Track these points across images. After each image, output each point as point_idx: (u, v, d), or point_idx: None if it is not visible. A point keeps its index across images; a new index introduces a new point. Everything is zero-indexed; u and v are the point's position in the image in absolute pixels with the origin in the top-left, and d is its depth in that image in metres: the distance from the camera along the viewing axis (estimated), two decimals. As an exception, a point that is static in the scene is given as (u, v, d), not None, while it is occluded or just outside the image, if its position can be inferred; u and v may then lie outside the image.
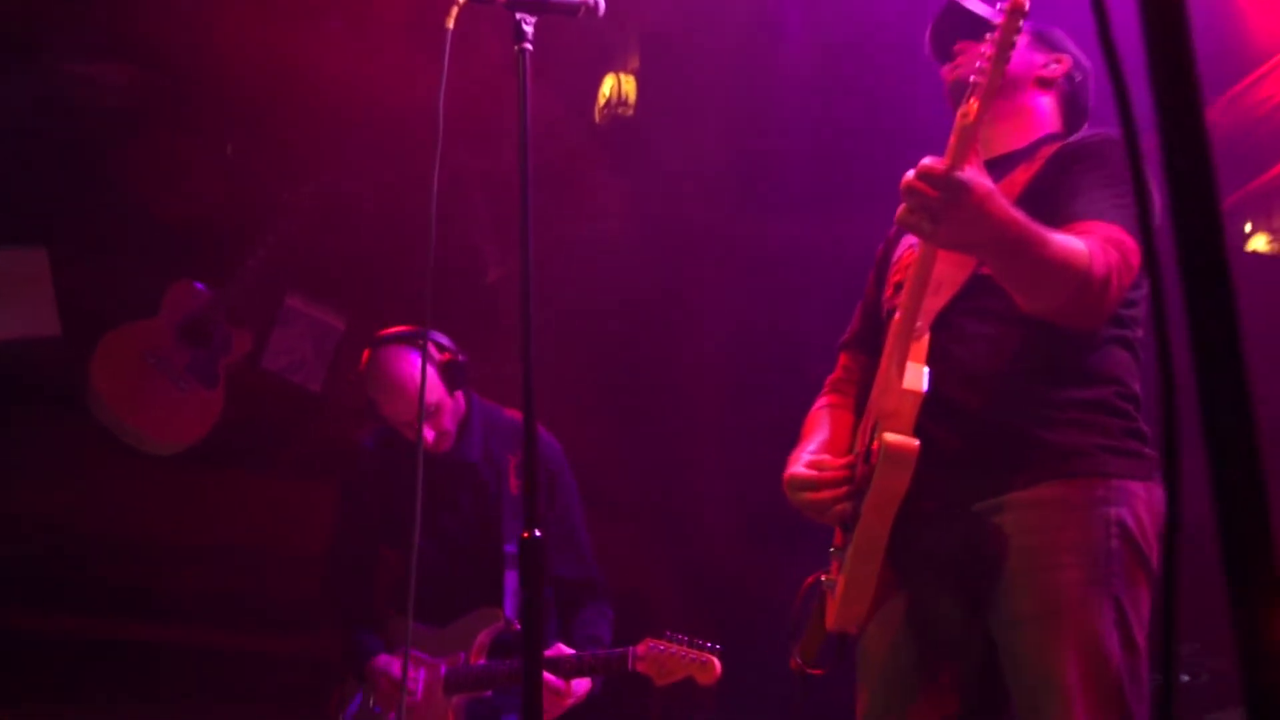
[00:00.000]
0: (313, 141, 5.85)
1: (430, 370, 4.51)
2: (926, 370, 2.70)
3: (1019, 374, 2.80)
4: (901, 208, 2.53)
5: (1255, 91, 5.27)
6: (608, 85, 6.03)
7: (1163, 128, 1.05)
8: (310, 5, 5.41)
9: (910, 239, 3.00)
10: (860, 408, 3.07)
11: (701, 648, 4.29)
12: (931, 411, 2.67)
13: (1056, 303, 2.66)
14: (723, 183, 6.19)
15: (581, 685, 4.40)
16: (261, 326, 6.20)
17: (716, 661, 4.29)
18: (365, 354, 4.62)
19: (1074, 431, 2.77)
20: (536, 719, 2.46)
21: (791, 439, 3.19)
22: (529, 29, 2.90)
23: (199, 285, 5.98)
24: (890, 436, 2.65)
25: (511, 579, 4.48)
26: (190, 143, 5.87)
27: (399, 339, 4.54)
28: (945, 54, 3.12)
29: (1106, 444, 2.77)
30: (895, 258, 3.15)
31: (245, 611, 6.09)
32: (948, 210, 2.47)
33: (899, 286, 2.98)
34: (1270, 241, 5.63)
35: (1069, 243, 2.61)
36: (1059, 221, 2.70)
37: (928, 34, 3.18)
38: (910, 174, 2.50)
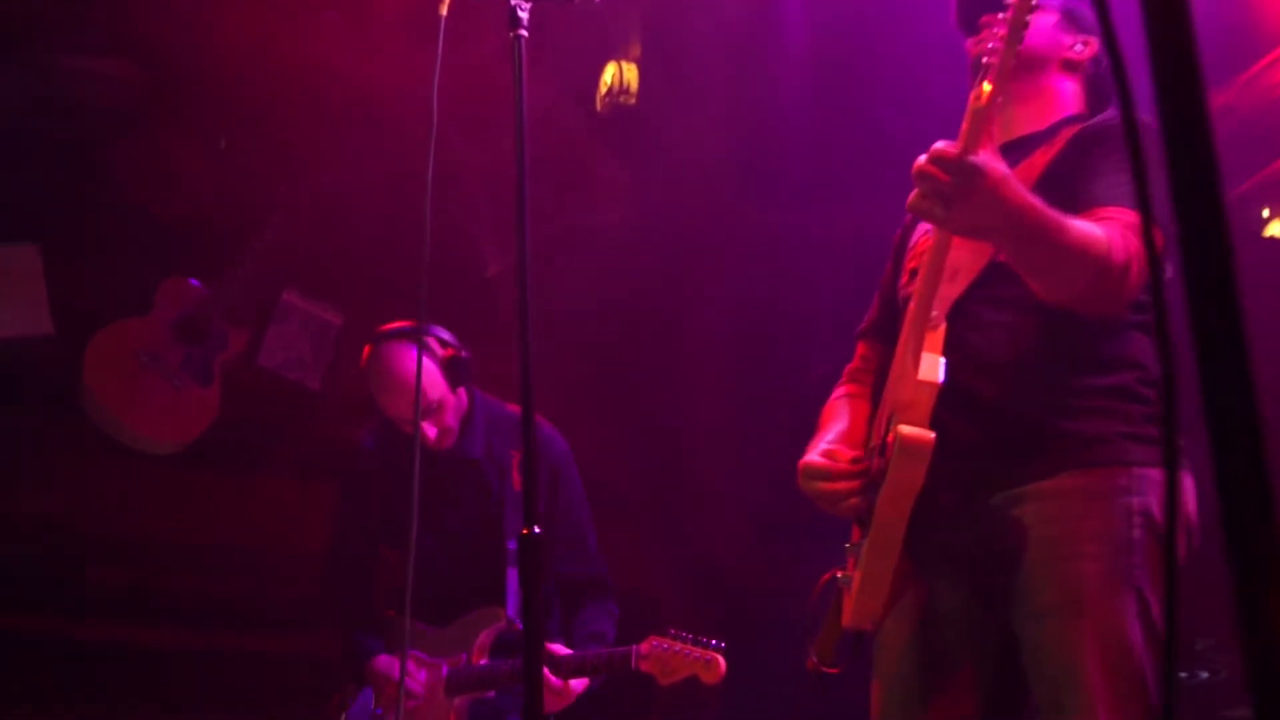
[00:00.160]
0: (309, 136, 5.85)
1: (432, 366, 4.53)
2: (943, 361, 2.68)
3: (1037, 362, 2.79)
4: (913, 193, 2.52)
5: (1273, 73, 5.25)
6: (609, 73, 6.02)
7: (1163, 111, 1.05)
8: (308, 1, 5.42)
9: (927, 224, 2.97)
10: (878, 397, 3.06)
11: (706, 646, 4.29)
12: (948, 402, 2.66)
13: (1074, 290, 2.65)
14: (727, 172, 6.18)
15: (579, 684, 4.41)
16: (257, 323, 6.20)
17: (721, 660, 4.29)
18: (366, 350, 4.63)
19: (1094, 419, 2.76)
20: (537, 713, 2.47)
21: (799, 433, 3.19)
22: (524, 15, 2.90)
23: (193, 282, 5.98)
24: (905, 429, 2.64)
25: (514, 577, 4.49)
26: (185, 139, 5.87)
27: (400, 335, 4.55)
28: (971, 26, 3.05)
29: (1128, 431, 2.75)
30: (912, 244, 3.14)
31: (244, 612, 6.09)
32: (961, 195, 2.46)
33: (915, 273, 2.96)
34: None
35: (1087, 229, 2.59)
36: (1078, 206, 2.69)
37: (954, 3, 3.14)
38: (922, 158, 2.49)
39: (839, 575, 2.97)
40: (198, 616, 6.04)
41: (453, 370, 4.57)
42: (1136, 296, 2.71)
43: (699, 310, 6.73)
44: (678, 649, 4.29)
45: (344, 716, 4.61)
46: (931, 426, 2.64)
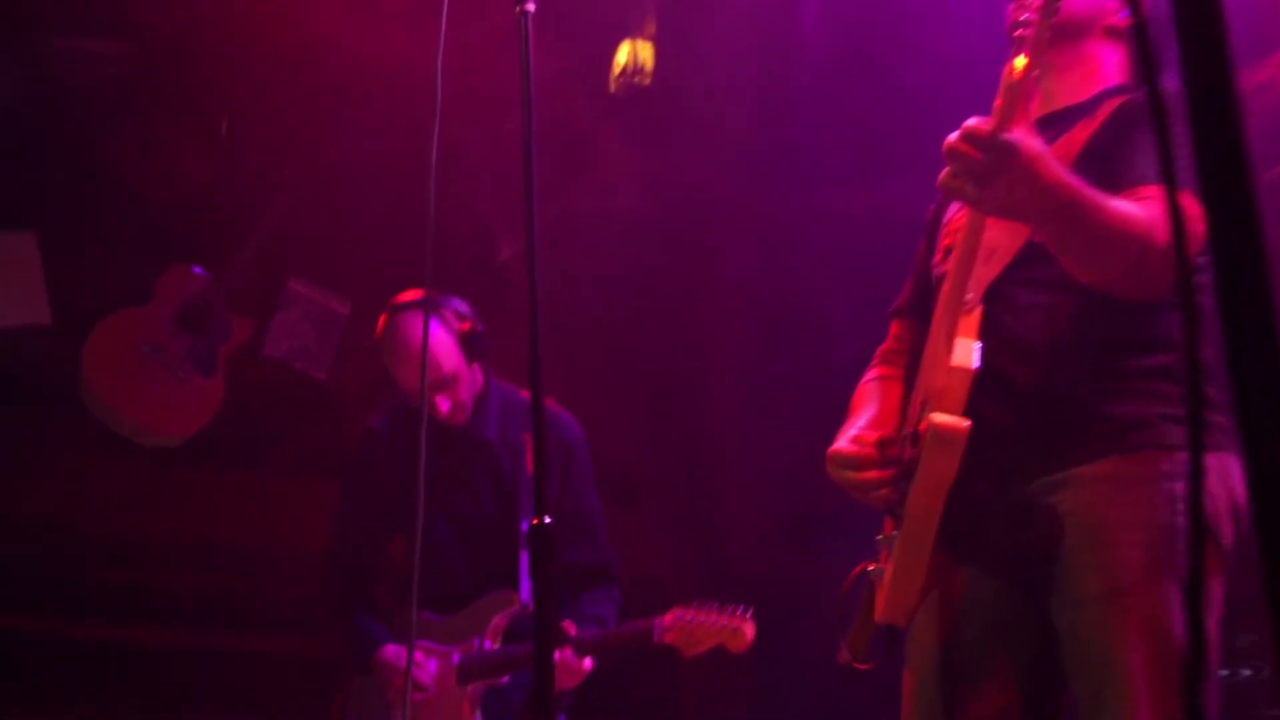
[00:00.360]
0: (312, 118, 5.85)
1: (448, 338, 4.57)
2: (977, 345, 2.66)
3: (1076, 344, 2.77)
4: (944, 172, 2.50)
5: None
6: (623, 53, 6.01)
7: (1189, 83, 1.04)
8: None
9: None
10: (912, 379, 3.04)
11: (732, 613, 4.30)
12: (984, 388, 2.64)
13: (1114, 274, 2.63)
14: (746, 153, 6.17)
15: (589, 661, 4.43)
16: (262, 312, 6.21)
17: (748, 627, 4.32)
18: (382, 319, 4.66)
19: (1135, 402, 2.74)
20: (547, 707, 2.46)
21: (820, 420, 3.18)
22: (531, -12, 2.88)
23: (196, 269, 5.98)
24: (938, 417, 2.62)
25: (527, 560, 4.50)
26: (184, 121, 5.87)
27: (415, 304, 4.57)
28: None
29: (1170, 414, 2.73)
30: (946, 219, 3.11)
31: (246, 612, 6.10)
32: (994, 174, 2.44)
33: (949, 251, 2.95)
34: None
35: (1127, 209, 2.57)
36: (1120, 184, 2.67)
37: None
38: (954, 135, 2.47)
39: (870, 568, 2.96)
40: (199, 616, 6.05)
41: (469, 344, 4.59)
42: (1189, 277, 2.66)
43: (716, 294, 6.72)
44: (703, 618, 4.32)
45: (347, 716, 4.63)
46: (966, 414, 2.62)
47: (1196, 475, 1.09)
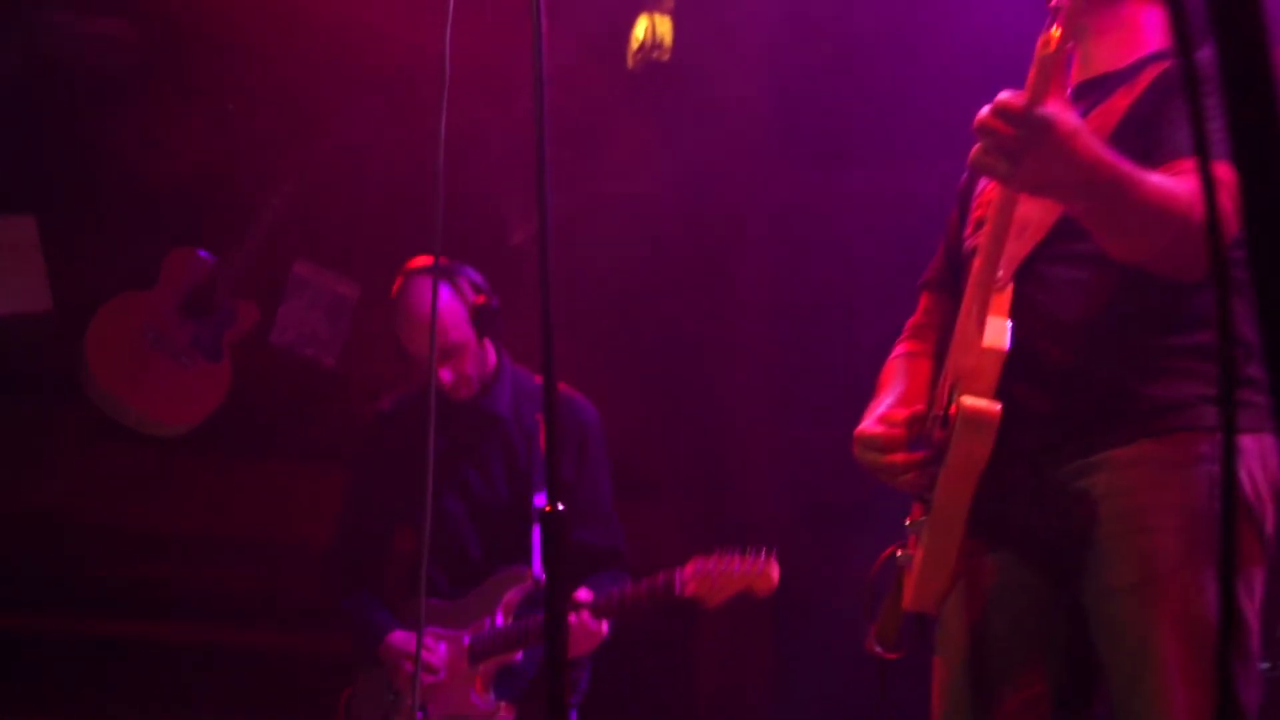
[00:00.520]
0: (320, 97, 5.85)
1: (459, 307, 4.61)
2: (1009, 325, 2.66)
3: (1111, 322, 2.76)
4: (975, 148, 2.49)
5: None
6: (641, 27, 6.00)
7: (1221, 50, 1.03)
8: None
9: None
10: (942, 354, 3.03)
11: (755, 556, 4.31)
12: (1015, 369, 2.64)
13: (1152, 251, 2.61)
14: (767, 133, 6.16)
15: (605, 626, 4.46)
16: (269, 297, 6.21)
17: (773, 568, 4.32)
18: (396, 282, 4.71)
19: (1173, 382, 2.72)
20: (561, 699, 2.46)
21: (847, 406, 3.16)
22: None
23: (201, 253, 5.98)
24: (969, 400, 2.62)
25: (540, 534, 4.53)
26: (188, 101, 5.87)
27: (430, 269, 4.58)
28: None
29: (1210, 394, 2.71)
30: (978, 190, 3.09)
31: (257, 605, 6.10)
32: (1027, 151, 2.42)
33: (981, 223, 2.93)
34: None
35: (1166, 185, 2.55)
36: (1160, 156, 2.65)
37: None
38: (985, 110, 2.45)
39: (898, 554, 2.95)
40: (207, 610, 6.05)
41: (480, 317, 4.62)
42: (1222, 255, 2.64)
43: (736, 277, 6.71)
44: (724, 565, 4.33)
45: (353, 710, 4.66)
46: (998, 395, 2.62)
47: (1229, 455, 1.08)
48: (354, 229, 6.26)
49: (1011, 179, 2.51)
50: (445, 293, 4.59)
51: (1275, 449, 2.73)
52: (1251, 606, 2.64)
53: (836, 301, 6.25)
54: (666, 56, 5.96)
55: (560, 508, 2.52)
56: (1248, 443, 2.69)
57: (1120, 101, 2.81)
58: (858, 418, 2.99)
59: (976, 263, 2.74)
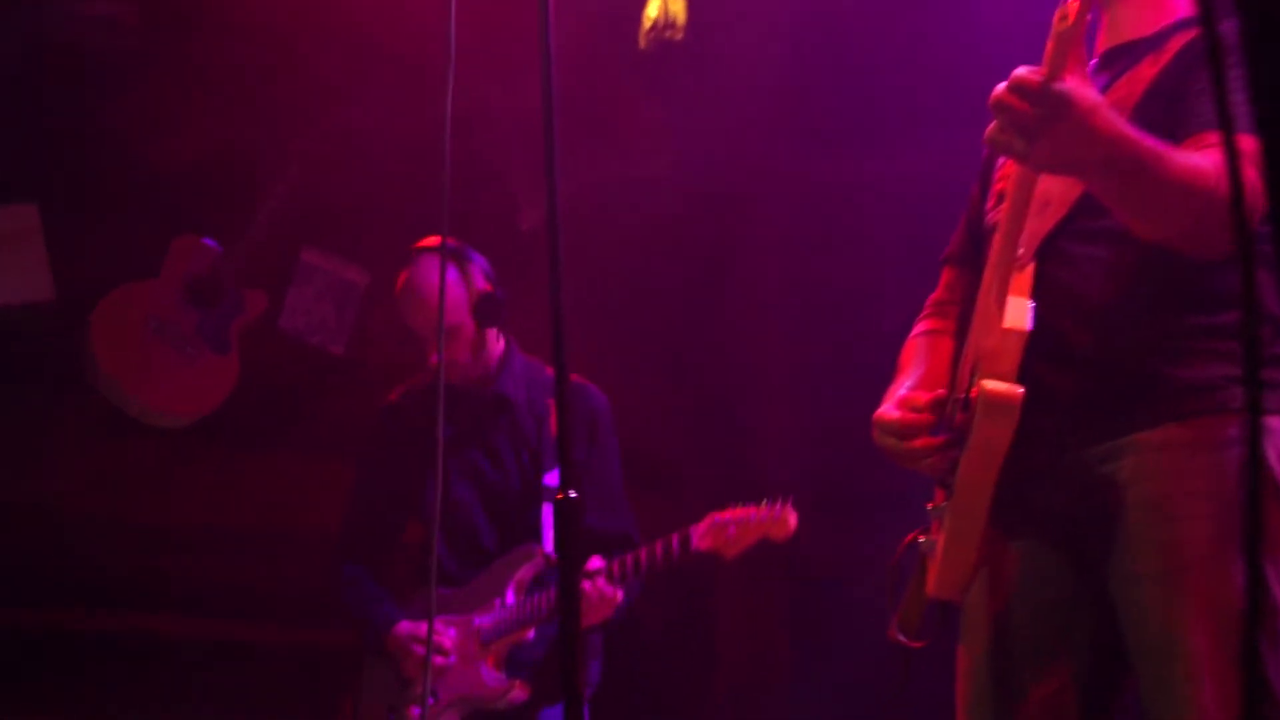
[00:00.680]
0: (326, 78, 5.84)
1: (460, 292, 4.69)
2: (1031, 305, 2.65)
3: (1137, 301, 2.74)
4: (991, 126, 2.47)
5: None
6: (654, 5, 5.98)
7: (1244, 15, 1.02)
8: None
9: None
10: (963, 331, 3.02)
11: (770, 504, 4.36)
12: (1038, 350, 2.63)
13: (1177, 228, 2.59)
14: (784, 112, 6.14)
15: (620, 594, 4.51)
16: (276, 285, 6.22)
17: (790, 514, 4.42)
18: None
19: (1201, 362, 2.71)
20: (577, 693, 2.46)
21: (866, 393, 3.16)
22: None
23: (206, 241, 5.99)
24: (990, 384, 2.61)
25: (549, 513, 4.55)
26: (193, 84, 5.87)
27: (438, 250, 4.63)
28: None
29: (1238, 375, 2.69)
30: (1000, 163, 3.07)
31: (264, 600, 6.12)
32: (1044, 128, 2.40)
33: (1002, 197, 2.91)
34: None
35: (1191, 161, 2.53)
36: (1187, 129, 2.64)
37: None
38: (1001, 87, 2.44)
39: (921, 539, 2.95)
40: (213, 605, 6.07)
41: (481, 305, 4.69)
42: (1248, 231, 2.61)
43: (755, 262, 6.70)
44: (739, 515, 4.43)
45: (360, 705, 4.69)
46: (1020, 378, 2.61)
47: (1255, 437, 1.07)
48: (363, 215, 6.26)
49: (1029, 157, 2.49)
50: (450, 274, 4.63)
51: None
52: None
53: (855, 283, 6.24)
54: (680, 36, 5.95)
55: (574, 495, 2.53)
56: (1275, 423, 2.68)
57: (1147, 70, 2.80)
58: (878, 401, 2.98)
59: (996, 241, 2.74)
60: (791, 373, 6.77)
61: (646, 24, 5.99)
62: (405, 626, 4.60)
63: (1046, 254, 2.76)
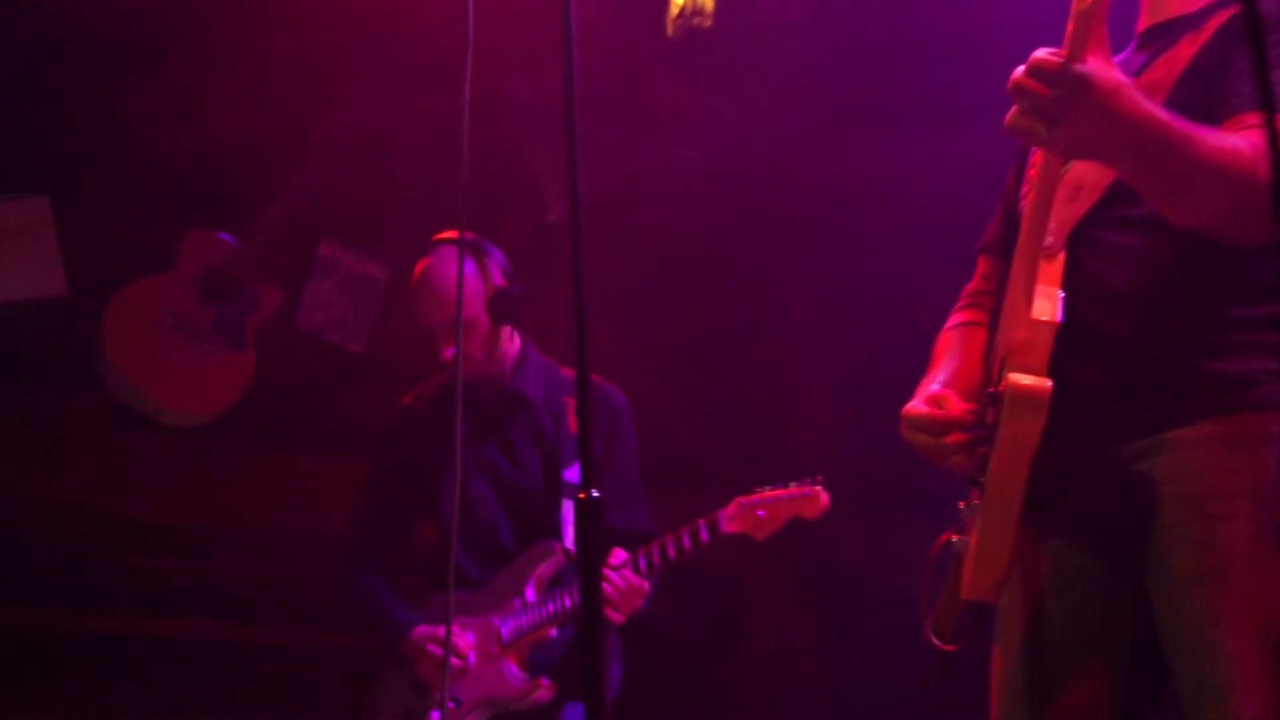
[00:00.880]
0: (346, 67, 5.85)
1: (477, 285, 4.70)
2: (1061, 295, 2.63)
3: (1172, 292, 2.71)
4: (1012, 111, 2.45)
5: None
6: (682, -10, 5.99)
7: None
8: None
9: None
10: (997, 324, 2.99)
11: (800, 482, 4.41)
12: (1069, 342, 2.61)
13: (1213, 214, 2.56)
14: (816, 101, 6.13)
15: (647, 584, 4.53)
16: (293, 279, 6.23)
17: (822, 492, 4.47)
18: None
19: (1240, 356, 2.67)
20: (599, 696, 2.47)
21: (901, 388, 3.16)
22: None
23: (222, 235, 6.01)
24: (1016, 377, 2.59)
25: (570, 509, 4.57)
26: (209, 73, 5.89)
27: (456, 242, 4.64)
28: None
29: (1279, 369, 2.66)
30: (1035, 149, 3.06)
31: (282, 601, 6.13)
32: (1065, 111, 2.38)
33: None
34: None
35: (1226, 143, 2.50)
36: (1226, 110, 2.61)
37: None
38: (1020, 70, 2.41)
39: (954, 539, 2.93)
40: (230, 606, 6.10)
41: (498, 301, 4.70)
42: None
43: (784, 253, 6.69)
44: (769, 496, 4.48)
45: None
46: (1051, 371, 2.59)
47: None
48: (384, 208, 6.27)
49: (1051, 142, 2.46)
50: (466, 266, 4.65)
51: None
52: None
53: (890, 273, 6.23)
54: (709, 23, 5.95)
55: (596, 494, 2.54)
56: None
57: (1185, 50, 2.76)
58: (911, 394, 2.96)
59: (1022, 229, 2.70)
60: (822, 366, 6.77)
61: (674, 10, 6.00)
62: (422, 630, 4.61)
63: (1077, 242, 2.73)
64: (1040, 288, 2.64)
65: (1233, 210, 2.53)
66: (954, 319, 3.19)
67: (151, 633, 6.03)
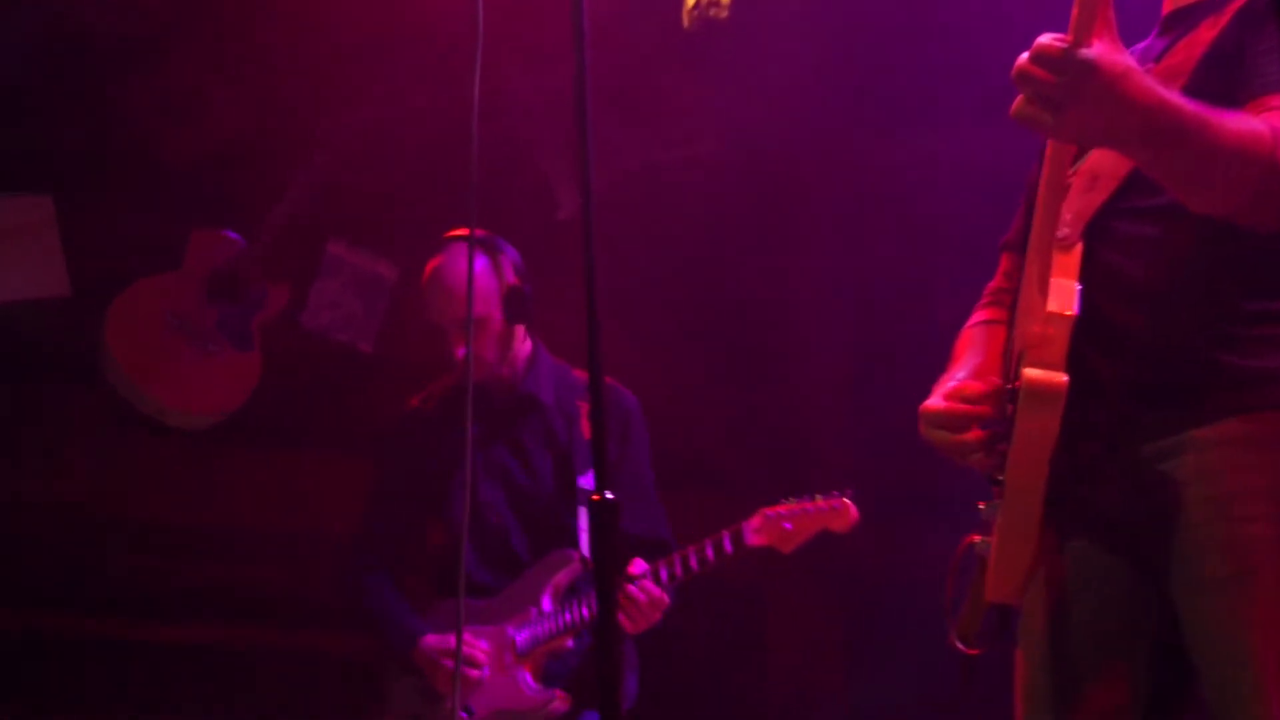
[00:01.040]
0: (353, 63, 5.86)
1: (491, 282, 4.68)
2: (1077, 288, 2.62)
3: (1194, 284, 2.68)
4: (1017, 99, 2.41)
5: None
6: (698, -19, 5.99)
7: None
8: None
9: None
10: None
11: (827, 495, 4.41)
12: (1087, 337, 2.60)
13: (1235, 202, 2.53)
14: (835, 94, 6.13)
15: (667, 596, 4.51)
16: (300, 278, 6.24)
17: (851, 505, 4.46)
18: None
19: (1262, 350, 2.65)
20: (612, 685, 2.48)
21: (919, 392, 3.16)
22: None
23: (227, 233, 6.02)
24: (1031, 372, 2.57)
25: (585, 517, 4.57)
26: (214, 70, 5.90)
27: (468, 240, 4.64)
28: None
29: None
30: None
31: (288, 605, 6.14)
32: (1071, 98, 2.34)
33: None
34: None
35: (1245, 126, 2.47)
36: (1248, 92, 2.58)
37: None
38: (1024, 57, 2.37)
39: (977, 542, 2.91)
40: (233, 610, 6.10)
41: (511, 299, 4.69)
42: None
43: (803, 251, 6.70)
44: (796, 507, 4.45)
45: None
46: (1069, 366, 2.57)
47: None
48: (393, 206, 6.27)
49: (1058, 129, 2.43)
50: (479, 264, 4.64)
51: None
52: None
53: (911, 271, 6.24)
54: (725, 14, 5.95)
55: (610, 496, 2.54)
56: None
57: (1205, 34, 2.73)
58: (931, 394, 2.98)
59: (1035, 221, 2.68)
60: (842, 364, 6.77)
61: (689, 2, 6.01)
62: (433, 639, 4.60)
63: (1094, 234, 2.71)
64: (1056, 280, 2.62)
65: (1254, 196, 2.50)
66: (976, 317, 3.17)
67: (153, 635, 6.04)
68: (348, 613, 4.94)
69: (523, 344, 4.80)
